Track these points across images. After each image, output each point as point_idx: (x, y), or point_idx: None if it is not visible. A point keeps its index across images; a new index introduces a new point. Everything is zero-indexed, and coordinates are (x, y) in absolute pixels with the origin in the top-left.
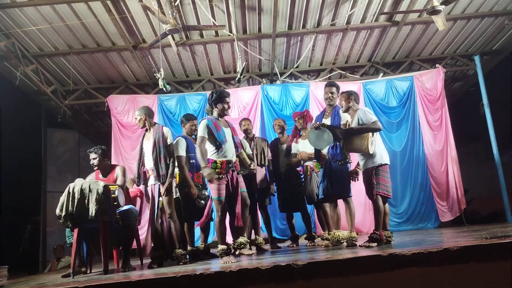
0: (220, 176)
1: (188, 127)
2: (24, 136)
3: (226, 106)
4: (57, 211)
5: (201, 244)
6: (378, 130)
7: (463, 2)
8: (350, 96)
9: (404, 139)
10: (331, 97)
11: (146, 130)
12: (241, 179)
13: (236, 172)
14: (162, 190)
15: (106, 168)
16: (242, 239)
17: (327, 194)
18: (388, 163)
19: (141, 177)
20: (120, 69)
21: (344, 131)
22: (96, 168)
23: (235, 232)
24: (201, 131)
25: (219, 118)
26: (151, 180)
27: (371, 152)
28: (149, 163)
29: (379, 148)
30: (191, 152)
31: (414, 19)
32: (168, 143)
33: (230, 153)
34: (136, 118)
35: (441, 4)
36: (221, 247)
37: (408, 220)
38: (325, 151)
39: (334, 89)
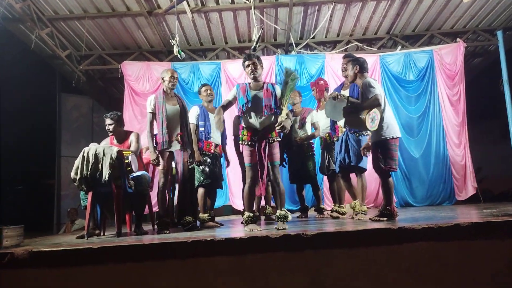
0: (248, 143)
1: (203, 92)
2: (38, 101)
3: (246, 70)
4: (72, 174)
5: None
6: (378, 106)
7: None
8: (355, 64)
9: (423, 114)
10: (345, 69)
11: (165, 93)
12: (275, 150)
13: (269, 140)
14: (186, 157)
15: (121, 134)
16: (283, 212)
17: (344, 167)
18: (399, 136)
19: (166, 141)
20: (134, 35)
21: (345, 108)
22: (111, 133)
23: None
24: (229, 94)
25: (252, 83)
26: (176, 145)
27: (371, 130)
28: (175, 127)
29: (389, 120)
30: (201, 120)
31: None
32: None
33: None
34: (174, 77)
35: None
36: (247, 214)
37: (428, 197)
38: (342, 122)
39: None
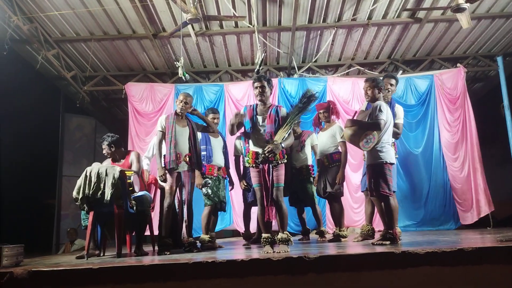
0: (253, 165)
1: (209, 118)
2: (42, 120)
3: (254, 91)
4: (74, 193)
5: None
6: (377, 130)
7: (489, 1)
8: (376, 86)
9: (423, 139)
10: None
11: (176, 115)
12: (279, 173)
13: (272, 163)
14: (193, 178)
15: (119, 154)
16: (284, 235)
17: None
18: (394, 162)
19: (173, 160)
20: (139, 57)
21: (348, 121)
22: (108, 157)
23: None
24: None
25: (260, 105)
26: (184, 166)
27: (364, 150)
28: (183, 148)
29: (387, 145)
30: (202, 144)
31: (437, 17)
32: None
33: (257, 142)
34: (186, 103)
35: (466, 2)
36: (264, 235)
37: (428, 221)
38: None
39: (393, 81)
